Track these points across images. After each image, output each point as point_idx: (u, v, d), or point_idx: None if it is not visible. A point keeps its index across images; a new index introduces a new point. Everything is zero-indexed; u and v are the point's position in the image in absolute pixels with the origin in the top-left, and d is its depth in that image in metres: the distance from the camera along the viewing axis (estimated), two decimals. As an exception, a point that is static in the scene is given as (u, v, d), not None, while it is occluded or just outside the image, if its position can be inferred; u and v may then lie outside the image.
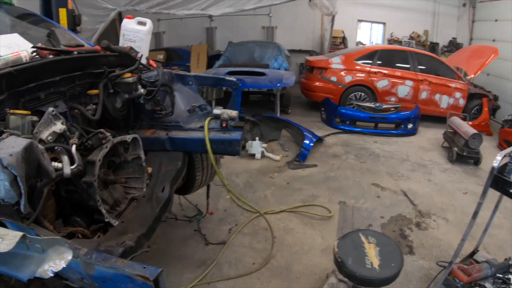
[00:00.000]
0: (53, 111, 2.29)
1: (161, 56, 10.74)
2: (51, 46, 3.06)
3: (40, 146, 1.89)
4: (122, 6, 8.82)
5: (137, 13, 12.23)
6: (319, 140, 6.96)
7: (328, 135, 7.66)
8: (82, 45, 3.18)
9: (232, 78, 3.42)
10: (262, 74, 7.80)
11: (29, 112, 2.18)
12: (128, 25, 3.57)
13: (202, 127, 3.17)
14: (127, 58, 3.17)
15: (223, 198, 4.90)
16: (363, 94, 8.79)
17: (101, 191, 2.59)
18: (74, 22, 5.93)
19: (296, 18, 12.91)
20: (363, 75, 8.82)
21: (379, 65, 8.90)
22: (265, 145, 6.67)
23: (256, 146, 6.39)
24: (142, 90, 3.10)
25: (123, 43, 3.58)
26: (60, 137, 2.32)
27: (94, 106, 2.91)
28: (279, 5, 10.10)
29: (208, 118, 3.26)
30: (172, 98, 3.26)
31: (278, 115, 7.83)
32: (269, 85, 7.56)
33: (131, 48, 3.18)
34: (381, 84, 8.77)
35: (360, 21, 14.15)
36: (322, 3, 9.42)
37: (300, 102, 10.27)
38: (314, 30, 13.32)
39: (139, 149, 2.85)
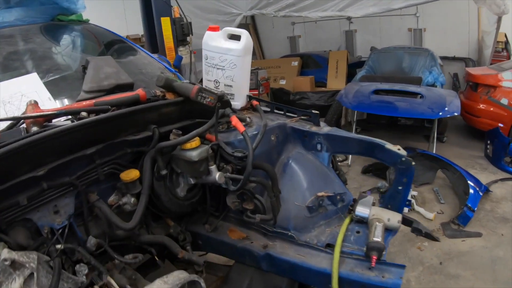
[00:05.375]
0: (5, 260, 1.08)
1: (295, 63, 9.19)
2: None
3: None
4: (248, 10, 7.40)
5: (264, 18, 11.00)
6: (486, 191, 4.78)
7: (495, 181, 5.28)
8: (129, 84, 1.78)
9: (399, 149, 1.71)
10: (416, 93, 5.73)
11: None
12: (211, 41, 2.04)
13: (330, 246, 1.59)
14: (200, 105, 1.70)
15: None
16: (545, 125, 5.93)
17: None
18: (182, 32, 4.75)
19: (447, 18, 9.94)
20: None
21: None
22: (415, 193, 4.72)
23: (404, 195, 4.44)
24: (217, 176, 1.61)
25: (207, 71, 2.09)
26: None
27: (133, 199, 1.57)
28: (427, 4, 7.67)
29: (345, 224, 1.65)
30: (275, 199, 1.67)
31: (434, 149, 5.71)
32: (429, 114, 5.41)
33: (201, 89, 1.68)
34: None
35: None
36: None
37: (457, 125, 7.71)
38: (470, 33, 10.16)
39: (200, 293, 1.44)
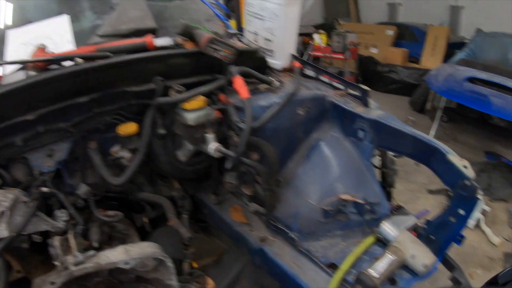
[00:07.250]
0: None
1: (391, 32, 8.33)
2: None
3: None
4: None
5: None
6: None
7: None
8: (151, 29, 1.53)
9: (466, 167, 1.20)
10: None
11: None
12: None
13: (333, 266, 1.27)
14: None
15: None
16: None
17: None
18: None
19: None
20: None
21: None
22: (487, 208, 3.90)
23: (471, 208, 3.72)
24: (212, 146, 1.31)
25: (248, 20, 1.74)
26: None
27: (129, 154, 1.40)
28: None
29: (364, 244, 1.28)
30: (269, 193, 1.30)
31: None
32: None
33: (213, 39, 1.34)
34: None
35: None
36: None
37: None
38: None
39: (168, 273, 1.27)
